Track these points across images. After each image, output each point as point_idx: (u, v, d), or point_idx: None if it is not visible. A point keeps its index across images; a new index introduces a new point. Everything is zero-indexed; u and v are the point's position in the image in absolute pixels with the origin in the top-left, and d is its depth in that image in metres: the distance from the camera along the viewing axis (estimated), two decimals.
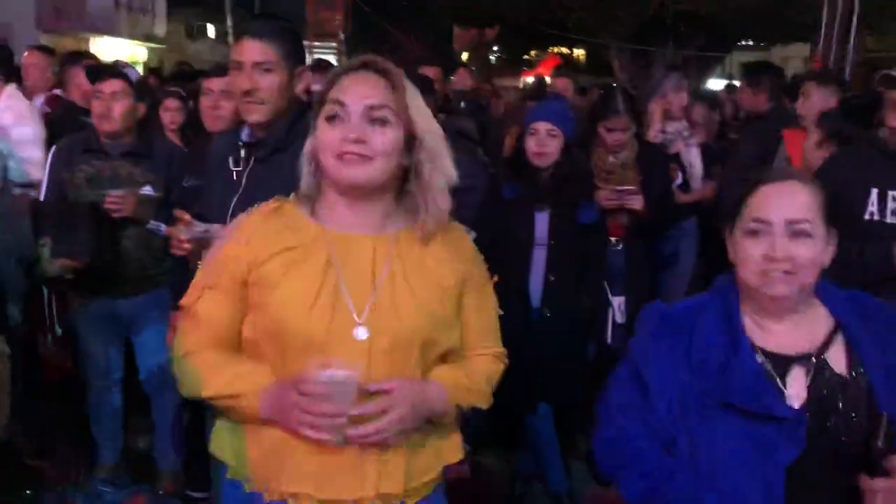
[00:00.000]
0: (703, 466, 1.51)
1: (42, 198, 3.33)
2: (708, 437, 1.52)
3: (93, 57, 5.13)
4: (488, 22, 23.77)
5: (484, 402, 1.73)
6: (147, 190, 3.23)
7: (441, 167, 1.60)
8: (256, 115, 2.22)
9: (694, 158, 4.43)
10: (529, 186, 3.26)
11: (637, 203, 3.53)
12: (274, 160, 2.25)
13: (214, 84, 3.21)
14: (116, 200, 3.15)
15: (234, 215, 2.20)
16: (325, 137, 1.56)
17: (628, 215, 3.60)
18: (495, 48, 29.25)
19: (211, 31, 35.88)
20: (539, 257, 3.28)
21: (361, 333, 1.53)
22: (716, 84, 14.22)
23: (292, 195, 1.67)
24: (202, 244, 2.22)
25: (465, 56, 32.42)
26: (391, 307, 1.56)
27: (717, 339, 1.57)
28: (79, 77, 4.21)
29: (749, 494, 1.48)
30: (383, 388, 1.53)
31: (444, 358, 1.67)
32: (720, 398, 1.51)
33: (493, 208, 3.33)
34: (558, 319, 3.26)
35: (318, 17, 27.59)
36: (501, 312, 1.80)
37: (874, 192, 2.59)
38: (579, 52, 25.93)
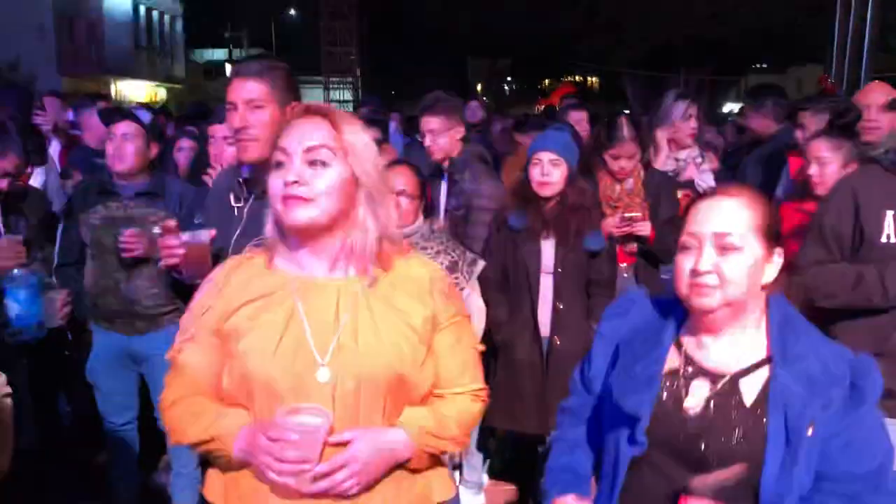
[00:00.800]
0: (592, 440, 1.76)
1: (58, 240, 3.40)
2: (597, 413, 1.72)
3: (108, 99, 5.25)
4: (501, 52, 24.11)
5: (454, 447, 1.70)
6: (159, 229, 3.28)
7: (377, 210, 1.60)
8: (250, 151, 2.26)
9: (708, 184, 4.42)
10: (535, 216, 3.29)
11: (645, 229, 3.55)
12: None
13: (218, 131, 3.28)
14: (130, 240, 3.20)
15: (235, 250, 2.26)
16: (272, 184, 1.59)
17: (637, 242, 3.61)
18: (509, 78, 29.52)
19: (228, 70, 36.46)
20: (547, 286, 3.30)
21: (324, 375, 1.53)
22: (732, 107, 14.24)
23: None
24: (194, 250, 2.29)
25: (479, 87, 32.76)
26: (354, 348, 1.55)
27: (649, 331, 1.63)
28: (92, 120, 4.31)
29: (603, 476, 1.66)
30: (343, 438, 1.52)
31: (423, 400, 1.65)
32: (612, 382, 1.62)
33: (500, 238, 3.36)
34: (569, 348, 3.25)
35: (333, 54, 28.00)
36: (482, 348, 1.79)
37: (889, 214, 2.55)
38: (593, 80, 26.12)
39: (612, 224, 3.51)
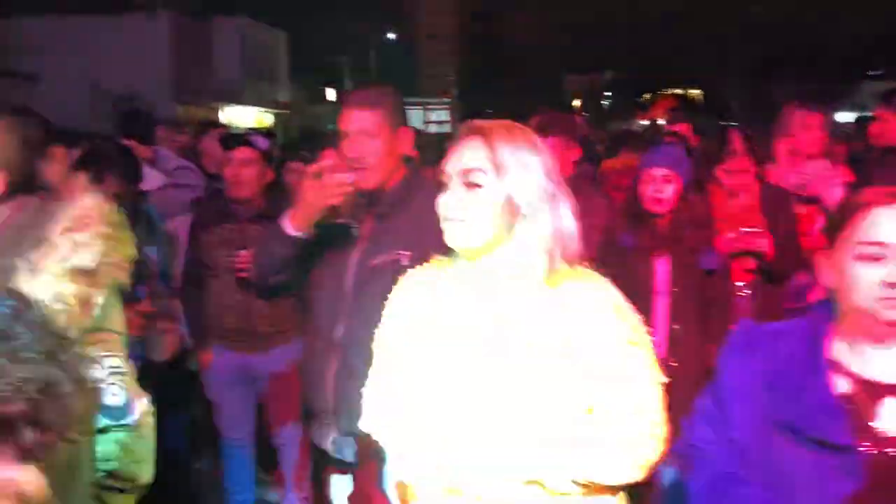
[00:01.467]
0: (772, 485, 1.48)
1: (182, 262, 3.57)
2: (777, 457, 1.48)
3: (223, 126, 5.48)
4: (600, 67, 23.87)
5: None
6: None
7: (537, 228, 1.60)
8: (366, 180, 2.31)
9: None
10: (647, 233, 3.21)
11: (763, 245, 3.41)
12: (392, 217, 2.34)
13: (328, 157, 3.37)
14: (246, 260, 3.31)
15: (356, 268, 2.31)
16: (437, 205, 1.64)
17: (755, 259, 3.47)
18: (607, 92, 29.18)
19: (331, 94, 37.59)
20: (661, 306, 3.20)
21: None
22: (845, 117, 13.59)
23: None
24: None
25: (577, 102, 32.55)
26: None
27: (797, 362, 1.51)
28: (212, 145, 4.50)
29: None
30: None
31: None
32: (789, 419, 1.47)
33: (610, 256, 3.29)
34: (685, 370, 3.14)
35: (431, 76, 28.45)
36: (664, 379, 1.72)
37: None
38: (695, 92, 25.50)
39: (727, 240, 3.39)
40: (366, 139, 2.30)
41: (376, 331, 1.76)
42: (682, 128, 5.50)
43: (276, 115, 30.32)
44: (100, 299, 1.46)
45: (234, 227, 3.45)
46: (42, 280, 1.34)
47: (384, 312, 1.77)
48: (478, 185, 1.59)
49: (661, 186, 3.18)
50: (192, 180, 4.20)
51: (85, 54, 21.49)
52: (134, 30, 23.56)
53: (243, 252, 3.33)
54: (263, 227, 3.42)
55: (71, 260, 1.41)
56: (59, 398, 0.80)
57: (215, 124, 5.54)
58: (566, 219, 1.63)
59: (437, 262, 1.73)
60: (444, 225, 1.62)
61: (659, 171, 3.19)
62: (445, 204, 1.62)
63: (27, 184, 1.58)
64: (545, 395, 1.56)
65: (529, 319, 1.59)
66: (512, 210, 1.60)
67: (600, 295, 1.64)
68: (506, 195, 1.59)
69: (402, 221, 2.31)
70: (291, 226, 2.32)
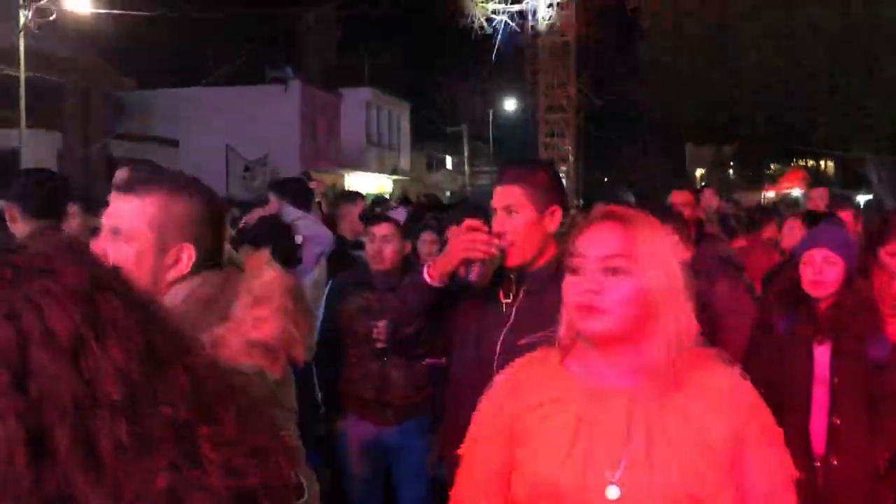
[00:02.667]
0: None
1: (318, 327, 3.61)
2: None
3: (362, 196, 5.61)
4: (726, 139, 23.32)
5: None
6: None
7: (674, 320, 1.52)
8: (510, 257, 2.27)
9: None
10: (807, 319, 3.01)
11: None
12: (542, 294, 2.28)
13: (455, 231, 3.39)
14: (384, 330, 3.32)
15: (503, 347, 2.25)
16: (566, 288, 1.57)
17: None
18: (732, 163, 28.46)
19: (449, 162, 38.41)
20: (821, 397, 2.97)
21: (613, 493, 1.46)
22: None
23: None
24: None
25: (699, 172, 31.86)
26: (646, 465, 1.47)
27: None
28: (351, 214, 4.62)
29: None
30: None
31: None
32: None
33: (765, 342, 3.10)
34: (847, 470, 2.89)
35: (549, 145, 28.62)
36: (798, 475, 1.59)
37: None
38: (827, 165, 24.46)
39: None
40: (509, 215, 2.28)
41: None
42: (846, 215, 5.12)
43: (396, 182, 31.18)
44: (278, 376, 1.46)
45: (374, 297, 3.48)
46: (225, 356, 1.35)
47: None
48: (619, 273, 1.53)
49: (823, 268, 2.98)
50: (317, 232, 4.24)
51: (221, 122, 22.89)
52: (268, 100, 24.99)
53: (382, 322, 3.35)
54: None
55: (253, 335, 1.42)
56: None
57: (357, 195, 5.63)
58: (689, 314, 1.55)
59: (561, 347, 1.64)
60: (575, 311, 1.55)
61: (821, 253, 3.00)
62: (580, 289, 1.54)
63: (212, 258, 1.61)
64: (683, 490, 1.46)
65: (660, 416, 1.50)
66: (646, 301, 1.53)
67: (733, 389, 1.55)
68: (643, 285, 1.52)
69: (552, 301, 2.24)
70: (429, 275, 2.31)
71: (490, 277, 2.35)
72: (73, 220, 5.67)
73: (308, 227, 4.06)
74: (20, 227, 2.99)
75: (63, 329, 0.91)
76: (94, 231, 2.75)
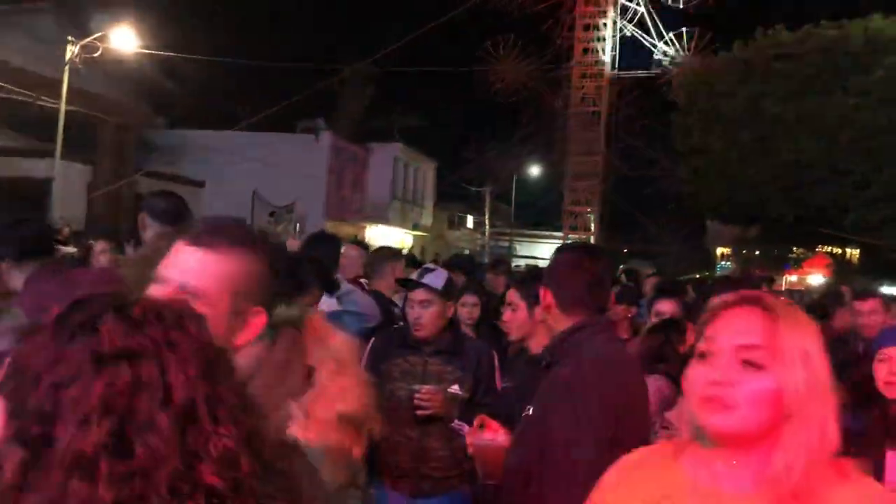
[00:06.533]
0: None
1: None
2: None
3: (401, 254, 5.51)
4: (750, 220, 23.21)
5: None
6: (455, 388, 3.25)
7: (807, 430, 1.35)
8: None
9: None
10: (879, 420, 2.84)
11: None
12: None
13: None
14: (426, 396, 3.19)
15: None
16: (691, 376, 1.41)
17: None
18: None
19: (469, 221, 38.50)
20: None
21: None
22: None
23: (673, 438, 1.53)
24: (489, 452, 2.24)
25: (720, 251, 31.68)
26: None
27: None
28: (388, 273, 4.51)
29: None
30: None
31: None
32: None
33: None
34: None
35: (573, 213, 28.65)
36: None
37: None
38: (853, 252, 24.22)
39: None
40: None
41: None
42: (874, 303, 4.92)
43: (416, 237, 31.21)
44: (359, 455, 1.33)
45: (416, 361, 3.34)
46: (313, 428, 1.22)
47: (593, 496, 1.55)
48: (756, 367, 1.36)
49: None
50: (362, 308, 4.11)
51: (249, 166, 23.06)
52: (298, 148, 25.24)
53: (425, 387, 3.21)
54: (444, 362, 3.33)
55: (341, 407, 1.29)
56: None
57: (397, 254, 5.50)
58: (831, 421, 1.38)
59: (673, 446, 1.50)
60: (700, 403, 1.39)
61: None
62: (709, 380, 1.38)
63: (285, 319, 1.48)
64: None
65: None
66: (783, 403, 1.36)
67: None
68: (782, 384, 1.36)
69: None
70: None
71: None
72: (102, 257, 5.57)
73: (356, 304, 3.99)
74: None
75: (180, 388, 0.79)
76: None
